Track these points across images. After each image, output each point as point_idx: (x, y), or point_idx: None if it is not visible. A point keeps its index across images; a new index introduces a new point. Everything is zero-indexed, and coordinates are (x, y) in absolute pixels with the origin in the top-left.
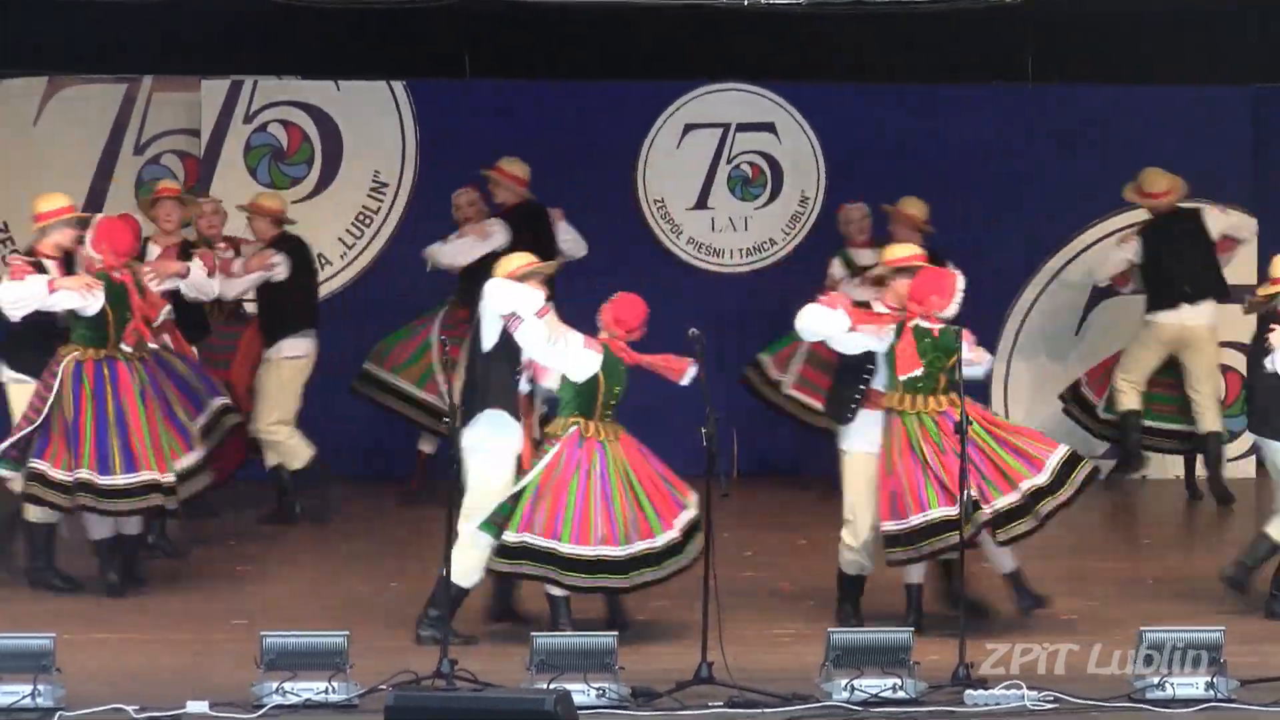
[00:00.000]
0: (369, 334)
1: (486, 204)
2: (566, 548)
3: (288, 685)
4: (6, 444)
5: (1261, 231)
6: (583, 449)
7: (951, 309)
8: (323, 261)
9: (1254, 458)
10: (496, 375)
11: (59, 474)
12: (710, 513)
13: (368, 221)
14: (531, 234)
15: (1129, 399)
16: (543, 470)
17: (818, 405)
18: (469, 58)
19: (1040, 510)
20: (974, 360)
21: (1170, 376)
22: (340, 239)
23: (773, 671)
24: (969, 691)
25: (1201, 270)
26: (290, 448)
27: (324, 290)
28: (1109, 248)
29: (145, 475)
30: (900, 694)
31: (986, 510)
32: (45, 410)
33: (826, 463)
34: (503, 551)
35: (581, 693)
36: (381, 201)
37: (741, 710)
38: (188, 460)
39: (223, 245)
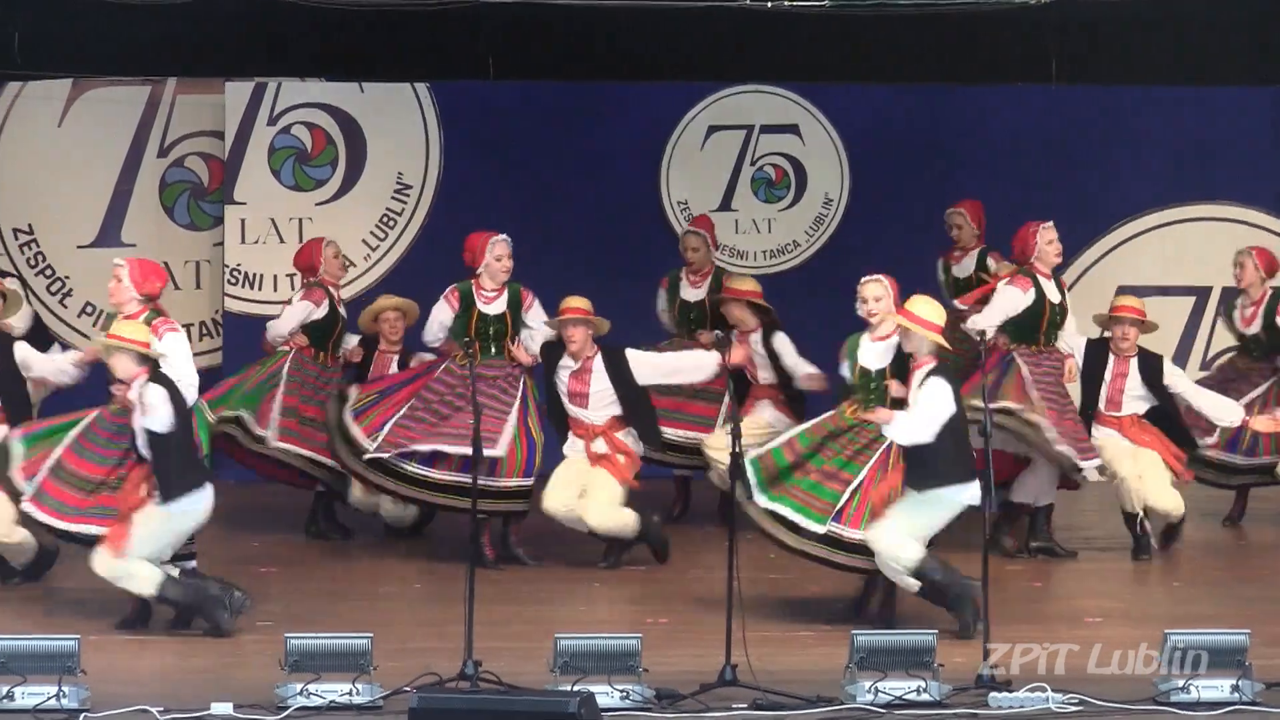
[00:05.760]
0: None
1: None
2: None
3: (312, 687)
4: None
5: None
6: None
7: None
8: (346, 263)
9: None
10: None
11: None
12: (735, 515)
13: (391, 224)
14: None
15: None
16: None
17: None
18: (492, 59)
19: None
20: None
21: None
22: (364, 241)
23: (797, 673)
24: (993, 694)
25: None
26: None
27: (348, 292)
28: None
29: None
30: (924, 696)
31: None
32: None
33: None
34: None
35: (605, 694)
36: (405, 203)
37: (765, 712)
38: None
39: None
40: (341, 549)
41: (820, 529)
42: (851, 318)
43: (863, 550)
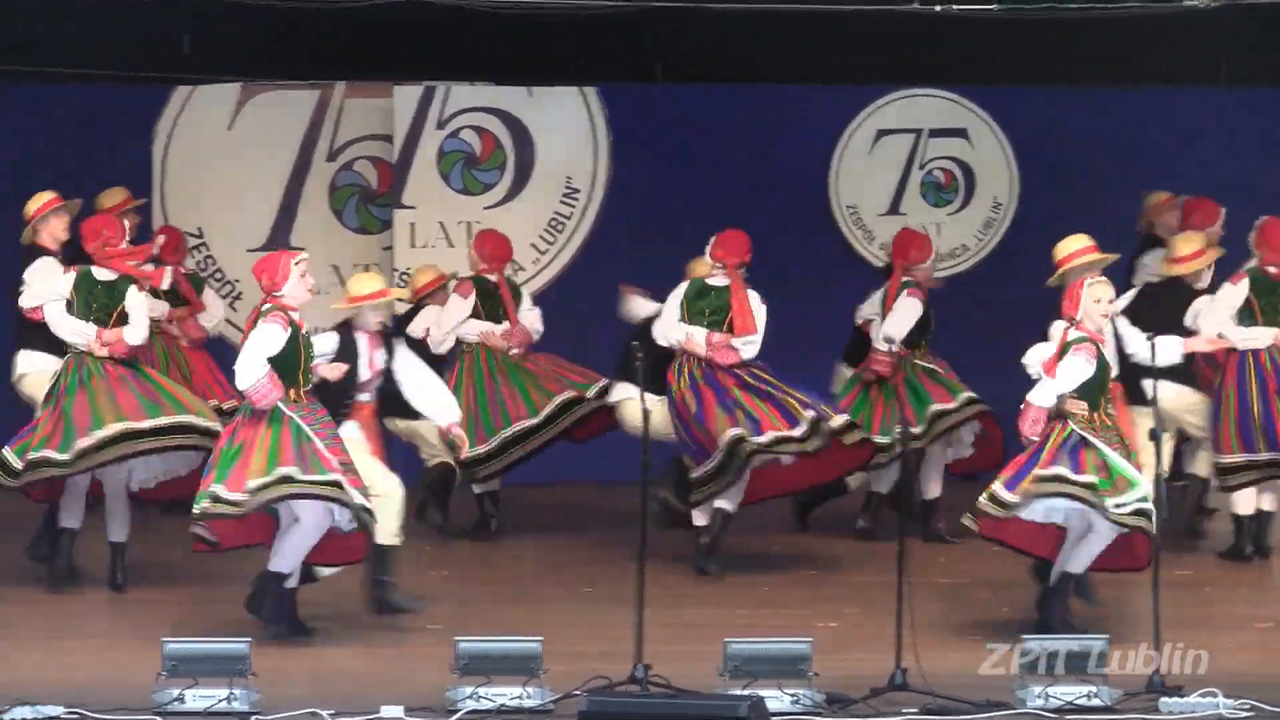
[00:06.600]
0: (561, 341)
1: None
2: None
3: (482, 690)
4: None
5: None
6: None
7: None
8: (515, 267)
9: None
10: None
11: None
12: (904, 519)
13: (560, 227)
14: None
15: None
16: None
17: None
18: (660, 63)
19: None
20: None
21: None
22: (533, 245)
23: (967, 678)
24: (1164, 699)
25: None
26: None
27: None
28: None
29: None
30: (1095, 701)
31: None
32: None
33: None
34: None
35: (775, 698)
36: (574, 207)
37: (936, 717)
38: None
39: None
40: (509, 551)
41: None
42: (1021, 321)
43: None
